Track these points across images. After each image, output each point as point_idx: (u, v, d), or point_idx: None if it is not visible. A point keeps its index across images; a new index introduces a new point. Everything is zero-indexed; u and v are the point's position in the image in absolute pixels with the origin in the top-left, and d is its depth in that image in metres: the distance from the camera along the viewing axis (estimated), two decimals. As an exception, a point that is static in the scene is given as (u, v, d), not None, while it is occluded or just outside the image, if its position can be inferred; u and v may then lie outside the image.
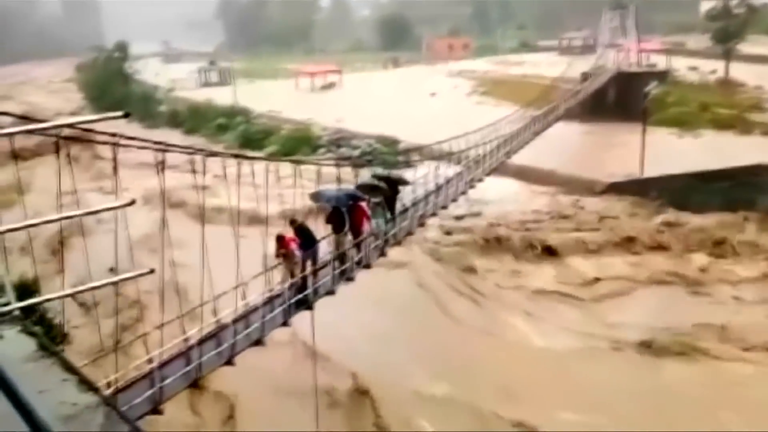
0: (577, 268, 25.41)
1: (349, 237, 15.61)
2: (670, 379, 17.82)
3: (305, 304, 14.00)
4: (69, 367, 2.80)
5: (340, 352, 18.40)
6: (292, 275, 14.02)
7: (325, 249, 15.34)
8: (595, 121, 43.37)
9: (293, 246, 13.99)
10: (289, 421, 15.82)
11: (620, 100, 45.16)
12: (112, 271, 11.47)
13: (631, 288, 23.90)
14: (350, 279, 15.46)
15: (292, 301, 13.73)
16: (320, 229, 15.26)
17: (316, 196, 15.89)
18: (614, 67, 48.79)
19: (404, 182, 18.63)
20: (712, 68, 54.04)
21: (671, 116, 41.52)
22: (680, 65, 55.25)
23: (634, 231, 28.00)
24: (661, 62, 54.22)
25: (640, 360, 18.89)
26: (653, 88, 36.90)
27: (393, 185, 17.53)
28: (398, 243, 18.66)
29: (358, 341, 19.54)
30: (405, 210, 19.30)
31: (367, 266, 16.13)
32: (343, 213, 15.22)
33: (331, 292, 14.81)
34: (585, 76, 47.52)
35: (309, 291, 14.09)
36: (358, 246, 15.69)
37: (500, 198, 31.70)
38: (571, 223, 29.83)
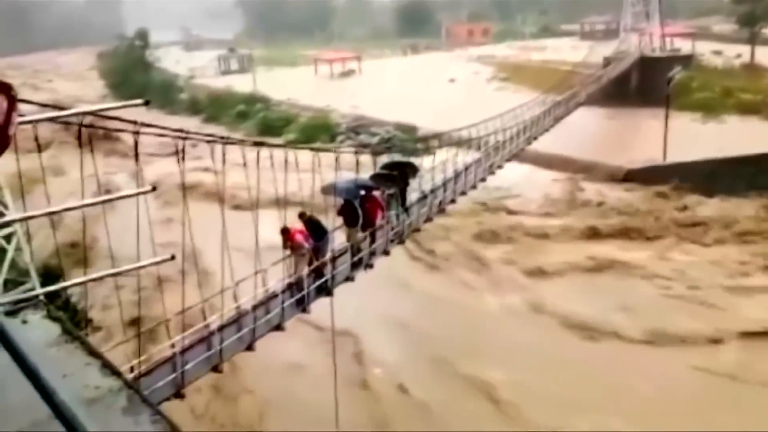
0: (539, 252, 26.17)
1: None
2: (582, 351, 19.76)
3: (325, 291, 14.02)
4: (92, 352, 2.84)
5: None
6: (298, 268, 13.78)
7: (339, 240, 15.23)
8: (617, 106, 42.87)
9: (299, 237, 13.72)
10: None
11: (643, 85, 44.54)
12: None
13: (577, 271, 24.74)
14: (369, 266, 15.42)
15: (311, 288, 13.71)
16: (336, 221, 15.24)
17: (328, 189, 15.42)
18: (637, 52, 48.08)
19: (415, 171, 18.06)
20: (737, 52, 53.03)
21: (695, 101, 40.93)
22: (704, 50, 54.35)
23: (636, 219, 28.34)
24: (684, 47, 53.33)
25: (561, 332, 20.81)
26: (676, 73, 36.34)
27: (404, 175, 17.14)
28: (417, 230, 18.64)
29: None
30: (424, 197, 19.25)
31: (386, 252, 16.08)
32: (355, 206, 15.05)
33: (350, 278, 14.82)
34: (607, 61, 46.93)
35: (327, 277, 14.05)
36: (372, 236, 15.58)
37: (513, 184, 31.74)
38: (576, 209, 30.22)
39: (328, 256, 14.32)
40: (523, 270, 24.85)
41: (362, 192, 15.41)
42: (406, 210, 17.42)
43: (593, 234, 27.50)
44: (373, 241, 15.68)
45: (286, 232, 13.70)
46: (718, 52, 54.48)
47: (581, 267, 24.88)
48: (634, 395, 17.23)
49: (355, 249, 15.19)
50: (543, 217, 29.75)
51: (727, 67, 51.32)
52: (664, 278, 23.69)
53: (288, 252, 13.86)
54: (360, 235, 15.41)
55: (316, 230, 14.22)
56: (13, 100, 1.67)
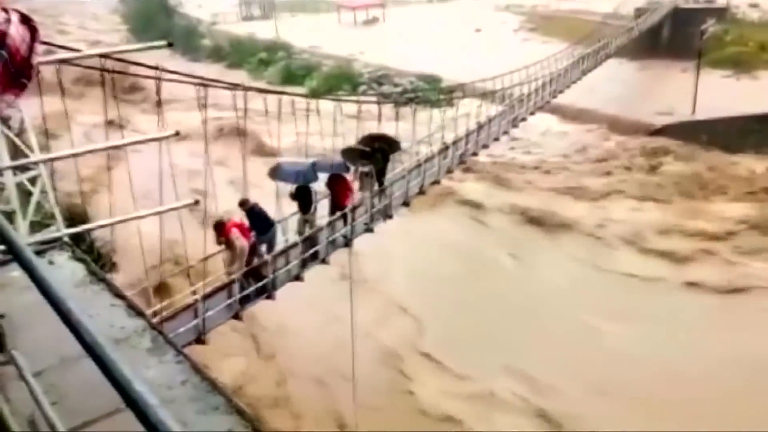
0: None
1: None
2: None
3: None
4: (117, 293, 2.91)
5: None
6: (233, 267, 12.10)
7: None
8: (648, 59, 41.79)
9: (234, 233, 11.90)
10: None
11: (675, 38, 43.14)
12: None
13: None
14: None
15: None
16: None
17: (274, 172, 13.50)
18: (671, 3, 46.49)
19: (395, 147, 16.00)
20: (776, 6, 51.06)
21: (728, 56, 39.64)
22: (740, 1, 52.40)
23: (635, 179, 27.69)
24: (720, -2, 51.44)
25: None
26: (710, 26, 35.18)
27: (384, 151, 15.30)
28: (437, 182, 18.40)
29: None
30: (446, 148, 19.13)
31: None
32: (309, 190, 13.63)
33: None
34: (639, 12, 45.43)
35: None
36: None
37: (533, 139, 31.34)
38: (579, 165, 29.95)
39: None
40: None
41: (321, 175, 13.91)
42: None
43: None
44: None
45: (220, 226, 11.88)
46: (754, 5, 52.51)
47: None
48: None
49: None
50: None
51: (764, 21, 49.50)
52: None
53: (222, 248, 12.13)
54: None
55: (259, 222, 12.49)
56: (35, 31, 1.71)
